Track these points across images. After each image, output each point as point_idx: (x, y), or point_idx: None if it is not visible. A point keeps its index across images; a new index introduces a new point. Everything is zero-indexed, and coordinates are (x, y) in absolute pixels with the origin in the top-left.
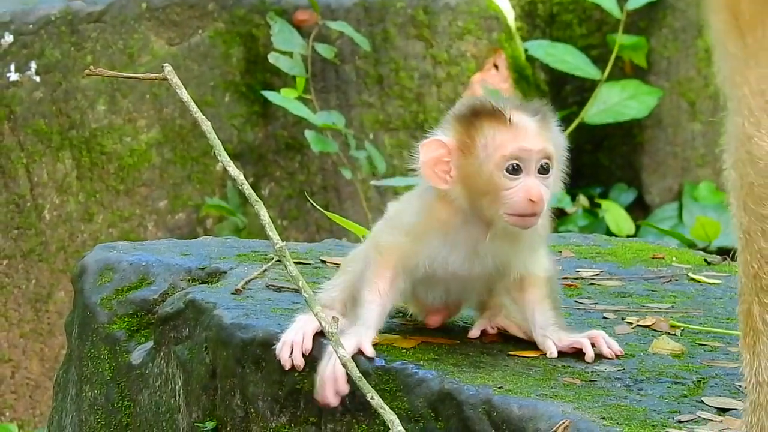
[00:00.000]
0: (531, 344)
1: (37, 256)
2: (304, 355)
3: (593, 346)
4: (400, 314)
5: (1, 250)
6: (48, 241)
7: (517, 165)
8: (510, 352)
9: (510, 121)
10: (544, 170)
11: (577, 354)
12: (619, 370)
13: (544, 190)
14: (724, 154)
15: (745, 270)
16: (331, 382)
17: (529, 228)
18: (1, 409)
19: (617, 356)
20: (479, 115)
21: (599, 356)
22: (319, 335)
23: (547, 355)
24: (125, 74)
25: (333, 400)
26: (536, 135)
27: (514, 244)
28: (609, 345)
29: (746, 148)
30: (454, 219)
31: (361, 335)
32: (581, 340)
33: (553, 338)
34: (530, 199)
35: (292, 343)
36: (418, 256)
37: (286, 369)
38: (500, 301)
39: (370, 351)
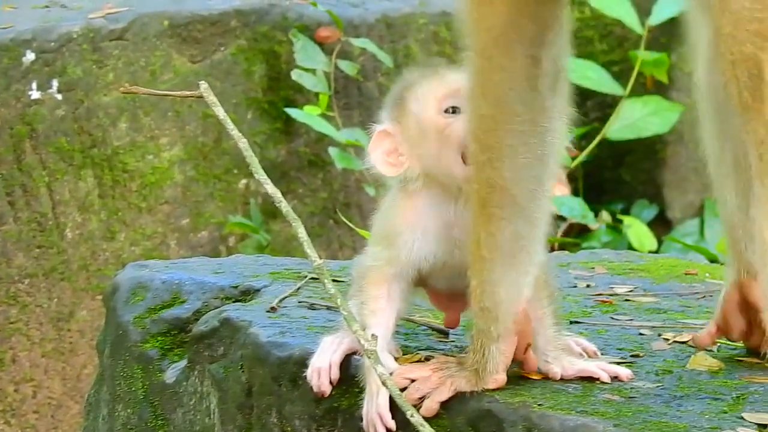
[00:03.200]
0: None
1: (59, 274)
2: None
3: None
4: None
5: (23, 269)
6: (70, 259)
7: (453, 106)
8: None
9: (437, 72)
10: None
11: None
12: (657, 387)
13: None
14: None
15: (474, 199)
16: (378, 420)
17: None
18: (23, 429)
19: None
20: (408, 87)
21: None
22: (352, 353)
23: (550, 377)
24: (161, 92)
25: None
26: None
27: None
28: (616, 371)
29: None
30: (420, 207)
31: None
32: (591, 368)
33: (556, 366)
34: None
35: (320, 370)
36: (399, 261)
37: (318, 396)
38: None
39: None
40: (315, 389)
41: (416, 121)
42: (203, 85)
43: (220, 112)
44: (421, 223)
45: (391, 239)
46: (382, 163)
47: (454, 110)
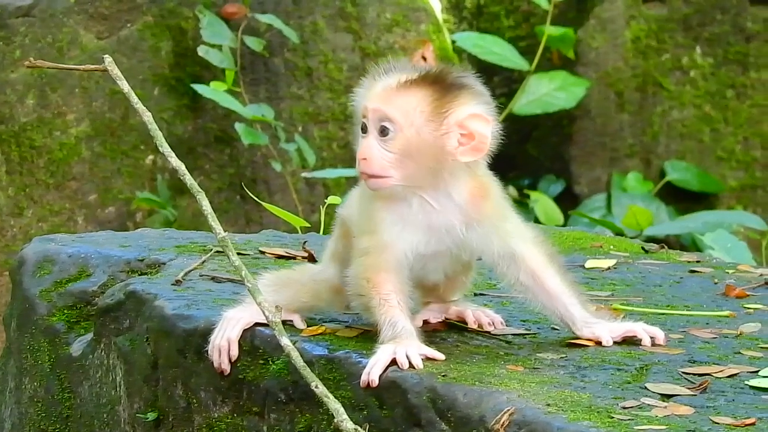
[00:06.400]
0: (481, 334)
1: None
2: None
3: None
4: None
5: None
6: None
7: (364, 124)
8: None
9: (376, 78)
10: (383, 132)
11: (519, 341)
12: (562, 358)
13: (377, 151)
14: None
15: None
16: (224, 350)
17: (373, 189)
18: None
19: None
20: None
21: (599, 343)
22: (257, 325)
23: (603, 344)
24: (66, 66)
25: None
26: (383, 95)
27: (472, 217)
28: (654, 332)
29: None
30: (395, 197)
31: (417, 344)
32: (635, 328)
33: (603, 331)
34: (361, 158)
35: (219, 348)
36: (398, 244)
37: (218, 373)
38: (452, 292)
39: (434, 353)
40: (216, 367)
41: None
42: (107, 59)
43: (124, 85)
44: (401, 208)
45: (384, 224)
46: None
47: (364, 128)
